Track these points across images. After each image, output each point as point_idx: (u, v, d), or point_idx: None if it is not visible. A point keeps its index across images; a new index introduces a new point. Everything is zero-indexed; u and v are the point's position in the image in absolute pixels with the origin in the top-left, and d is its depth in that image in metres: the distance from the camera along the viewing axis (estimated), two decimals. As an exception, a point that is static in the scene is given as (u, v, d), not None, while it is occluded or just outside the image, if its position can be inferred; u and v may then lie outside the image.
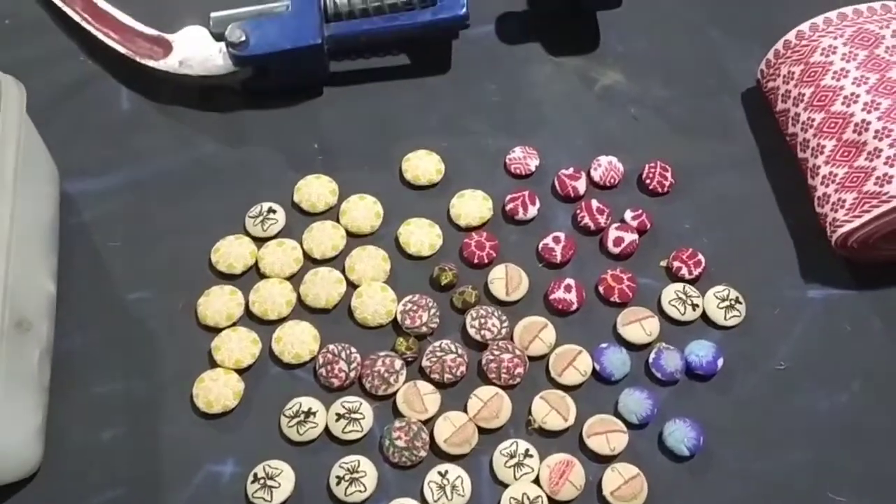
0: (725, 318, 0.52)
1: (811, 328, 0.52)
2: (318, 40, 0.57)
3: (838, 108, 0.53)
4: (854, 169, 0.51)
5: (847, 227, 0.50)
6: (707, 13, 0.64)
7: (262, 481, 0.46)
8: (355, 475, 0.46)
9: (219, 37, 0.58)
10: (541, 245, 0.54)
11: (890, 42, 0.53)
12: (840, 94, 0.53)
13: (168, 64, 0.58)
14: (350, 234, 0.55)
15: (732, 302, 0.52)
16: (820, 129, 0.53)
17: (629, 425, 0.49)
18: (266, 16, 0.57)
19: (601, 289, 0.53)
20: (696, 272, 0.53)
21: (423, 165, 0.57)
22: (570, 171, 0.57)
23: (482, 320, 0.51)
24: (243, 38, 0.56)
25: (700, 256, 0.54)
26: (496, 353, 0.50)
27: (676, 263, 0.54)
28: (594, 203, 0.56)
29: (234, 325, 0.52)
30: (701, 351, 0.50)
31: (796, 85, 0.55)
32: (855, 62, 0.53)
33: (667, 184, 0.57)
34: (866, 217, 0.50)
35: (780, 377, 0.50)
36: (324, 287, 0.52)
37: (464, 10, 0.58)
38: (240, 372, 0.50)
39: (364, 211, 0.55)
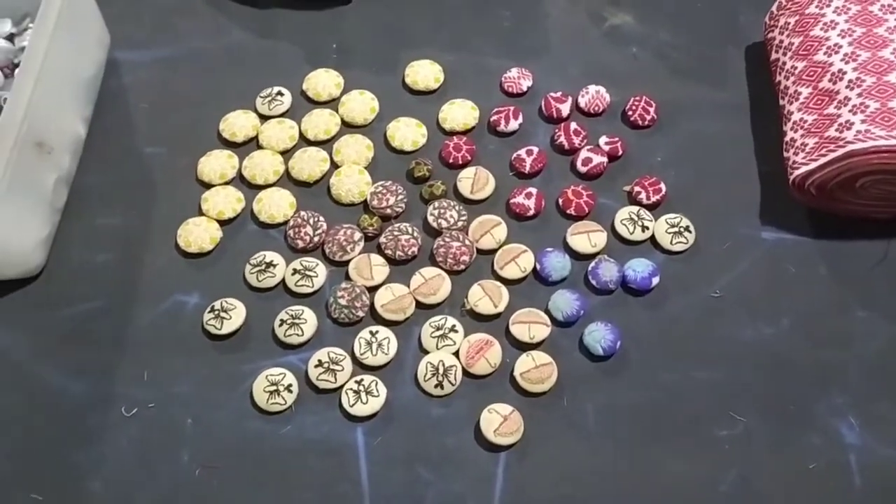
0: (671, 243, 0.54)
1: (756, 266, 0.53)
2: (346, -52, 0.62)
3: (820, 58, 0.54)
4: (823, 116, 0.52)
5: (802, 170, 0.52)
6: (731, -31, 0.66)
7: (216, 312, 0.52)
8: (296, 321, 0.52)
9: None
10: (514, 155, 0.58)
11: (885, 0, 0.54)
12: (824, 44, 0.54)
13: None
14: (345, 124, 0.60)
15: (682, 229, 0.54)
16: (800, 77, 0.54)
17: (555, 321, 0.52)
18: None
19: (560, 201, 0.56)
20: (654, 198, 0.55)
21: (424, 72, 0.62)
22: (559, 94, 0.60)
23: (442, 210, 0.55)
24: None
25: (662, 185, 0.56)
26: (447, 240, 0.54)
27: (637, 188, 0.56)
28: (573, 125, 0.59)
29: (226, 184, 0.58)
30: (639, 267, 0.53)
31: (788, 35, 0.56)
32: (846, 15, 0.54)
33: (648, 118, 0.59)
34: (822, 161, 0.51)
35: (712, 304, 0.52)
36: (309, 163, 0.58)
37: (485, -65, 0.62)
38: (221, 223, 0.56)
39: (361, 104, 0.60)
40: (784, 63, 0.56)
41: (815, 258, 0.53)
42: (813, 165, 0.51)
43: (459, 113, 0.60)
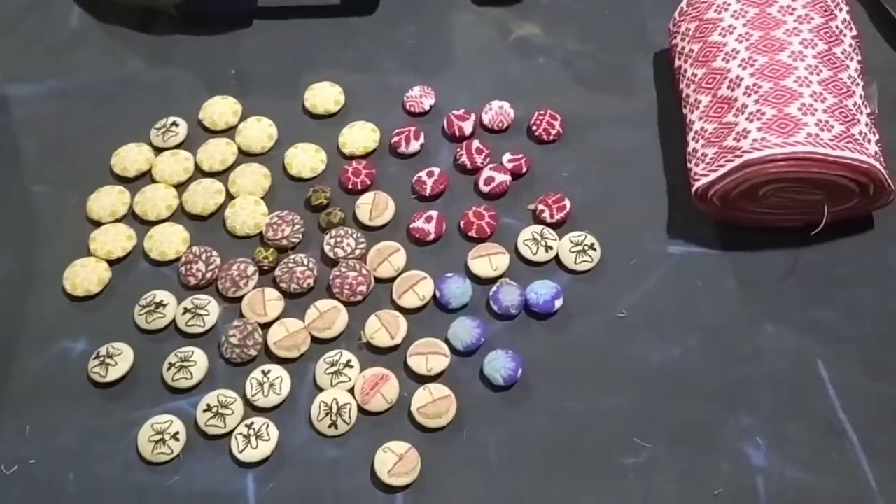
0: (576, 263, 0.52)
1: (664, 282, 0.51)
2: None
3: (718, 64, 0.52)
4: (722, 124, 0.51)
5: (703, 181, 0.50)
6: (638, -27, 0.64)
7: (101, 359, 0.50)
8: (185, 364, 0.49)
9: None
10: (414, 178, 0.56)
11: (785, 2, 0.52)
12: (723, 49, 0.52)
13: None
14: (242, 152, 0.58)
15: (586, 247, 0.52)
16: (700, 85, 0.53)
17: (455, 351, 0.50)
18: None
19: (461, 223, 0.54)
20: (558, 216, 0.54)
21: (324, 95, 0.60)
22: (461, 111, 0.58)
23: (338, 239, 0.53)
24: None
25: (566, 202, 0.54)
26: (343, 270, 0.52)
27: (541, 207, 0.54)
28: (475, 143, 0.57)
29: (117, 221, 0.56)
30: (542, 290, 0.51)
31: (689, 41, 0.55)
32: (744, 19, 0.52)
33: (553, 132, 0.57)
34: (720, 171, 0.49)
35: (618, 325, 0.50)
36: (203, 195, 0.56)
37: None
38: (111, 263, 0.54)
39: (258, 132, 0.58)
40: (685, 70, 0.54)
41: (723, 271, 0.51)
42: (712, 176, 0.49)
43: (359, 136, 0.58)
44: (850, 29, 0.53)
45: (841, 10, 0.53)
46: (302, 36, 0.64)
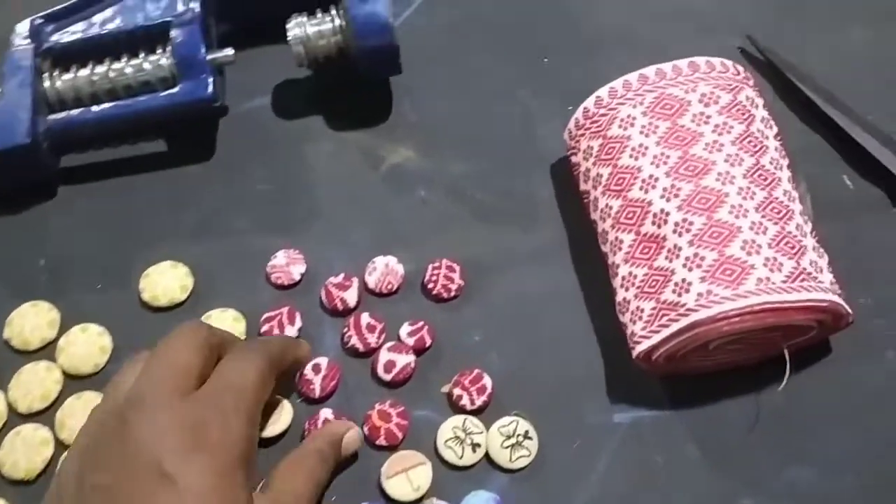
0: (512, 460, 0.43)
1: (615, 463, 0.43)
2: (26, 140, 0.48)
3: (636, 195, 0.44)
4: (654, 270, 0.43)
5: (645, 345, 0.42)
6: (516, 71, 0.55)
7: None
8: None
9: None
10: (298, 376, 0.45)
11: (697, 109, 0.45)
12: (638, 176, 0.44)
13: None
14: (68, 376, 0.46)
15: (520, 438, 0.43)
16: (618, 220, 0.45)
17: None
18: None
19: (366, 430, 0.44)
20: (479, 401, 0.44)
21: (165, 282, 0.48)
22: (340, 278, 0.48)
23: (213, 484, 0.42)
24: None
25: (486, 380, 0.45)
26: (226, 527, 0.41)
27: (457, 391, 0.45)
28: (364, 318, 0.47)
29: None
30: (478, 506, 0.41)
31: (595, 164, 0.47)
32: (655, 136, 0.44)
33: (453, 287, 0.48)
34: (665, 333, 0.41)
35: (576, 531, 0.42)
36: (25, 452, 0.43)
37: (209, 90, 0.49)
38: None
39: (86, 346, 0.46)
40: (597, 199, 0.46)
41: (680, 437, 0.44)
42: (656, 339, 0.41)
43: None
44: (771, 128, 0.46)
45: (757, 107, 0.46)
46: (126, 200, 0.52)
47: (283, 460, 0.39)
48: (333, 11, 0.51)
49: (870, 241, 0.48)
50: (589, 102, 0.47)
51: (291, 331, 0.47)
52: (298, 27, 0.50)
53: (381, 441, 0.44)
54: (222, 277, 0.49)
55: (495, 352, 0.46)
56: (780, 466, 0.43)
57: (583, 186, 0.48)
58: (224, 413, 0.35)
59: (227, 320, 0.47)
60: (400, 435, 0.44)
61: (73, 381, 0.46)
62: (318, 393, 0.45)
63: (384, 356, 0.45)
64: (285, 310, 0.47)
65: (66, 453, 0.37)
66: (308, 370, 0.45)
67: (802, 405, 0.44)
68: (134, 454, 0.33)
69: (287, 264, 0.49)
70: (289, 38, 0.50)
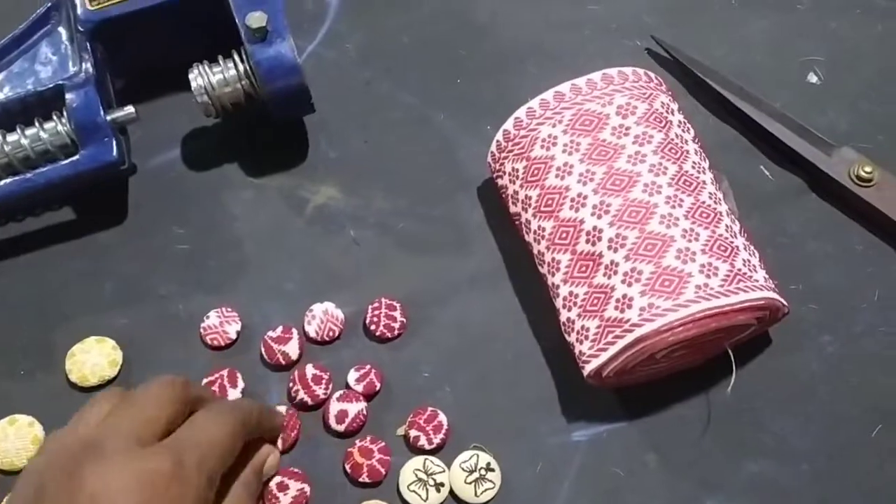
0: (477, 494, 0.42)
1: (579, 482, 0.43)
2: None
3: (567, 215, 0.44)
4: (594, 288, 0.43)
5: (594, 364, 0.42)
6: (430, 95, 0.55)
7: None
8: None
9: None
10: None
11: (615, 122, 0.45)
12: (567, 195, 0.44)
13: None
14: (2, 472, 0.43)
15: (483, 471, 0.43)
16: (552, 241, 0.45)
17: None
18: None
19: (348, 467, 0.43)
20: (437, 439, 0.44)
21: (93, 360, 0.45)
22: (279, 331, 0.46)
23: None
24: None
25: (441, 417, 0.44)
26: None
27: (414, 432, 0.44)
28: (309, 371, 0.45)
29: None
30: (449, 549, 0.41)
31: (522, 186, 0.46)
32: (578, 153, 0.44)
33: (396, 326, 0.47)
34: (612, 350, 0.41)
35: (550, 559, 0.42)
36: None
37: (114, 153, 0.47)
38: None
39: (16, 440, 0.43)
40: (528, 221, 0.46)
41: (638, 446, 0.44)
42: (604, 357, 0.41)
43: (157, 404, 0.44)
44: (688, 131, 0.47)
45: (673, 112, 0.47)
46: (39, 276, 0.49)
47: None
48: (236, 56, 0.49)
49: (794, 227, 0.50)
50: (508, 125, 0.47)
51: (234, 393, 0.45)
52: (201, 77, 0.48)
53: (365, 478, 0.42)
54: (153, 346, 0.47)
55: (447, 386, 0.46)
56: (737, 462, 0.44)
57: (513, 209, 0.48)
58: (185, 467, 0.34)
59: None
60: (383, 471, 0.43)
61: (5, 475, 0.43)
62: (282, 445, 0.43)
63: (334, 407, 0.44)
64: (225, 372, 0.45)
65: (9, 495, 0.35)
66: (262, 431, 0.44)
67: (750, 399, 0.45)
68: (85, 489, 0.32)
69: (221, 324, 0.47)
70: (192, 90, 0.48)
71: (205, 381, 0.45)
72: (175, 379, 0.38)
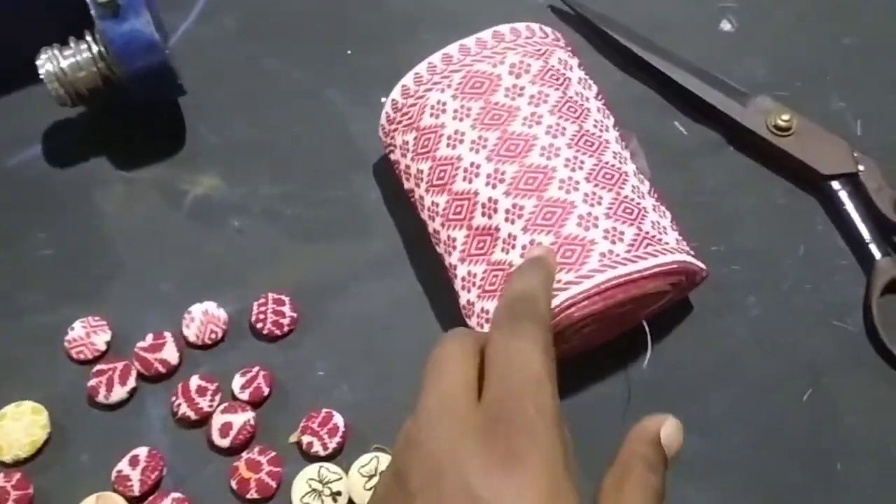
0: (379, 503, 0.38)
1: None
2: None
3: (461, 187, 0.40)
4: (493, 265, 0.39)
5: (498, 349, 0.38)
6: (318, 69, 0.50)
7: None
8: None
9: None
10: (113, 474, 0.39)
11: (508, 82, 0.41)
12: (459, 166, 0.40)
13: None
14: None
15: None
16: (447, 217, 0.40)
17: None
18: None
19: (234, 483, 0.38)
20: (332, 444, 0.39)
21: (-58, 386, 0.40)
22: (149, 340, 0.42)
23: None
24: None
25: (336, 419, 0.40)
26: None
27: (307, 437, 0.40)
28: (193, 382, 0.41)
29: None
30: (350, 566, 0.37)
31: (413, 159, 0.42)
32: (469, 119, 0.40)
33: (285, 322, 0.43)
34: (515, 332, 0.37)
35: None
36: None
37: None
38: None
39: None
40: (422, 197, 0.42)
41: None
42: (508, 340, 0.37)
43: (17, 430, 0.39)
44: (590, 88, 0.43)
45: (572, 68, 0.43)
46: None
47: (605, 476, 0.32)
48: (89, 37, 0.44)
49: (712, 184, 0.46)
50: (395, 93, 0.43)
51: (121, 392, 0.40)
52: (50, 62, 0.43)
53: (253, 494, 0.38)
54: (15, 365, 0.42)
55: (345, 384, 0.42)
56: (662, 443, 0.40)
57: (406, 185, 0.43)
58: (528, 420, 0.28)
59: (25, 416, 0.40)
60: (273, 484, 0.38)
61: None
62: (137, 490, 0.38)
63: (218, 420, 0.40)
64: (120, 364, 0.40)
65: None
66: (124, 464, 0.39)
67: (674, 370, 0.42)
68: (437, 474, 0.27)
69: (88, 335, 0.42)
70: (41, 76, 0.43)
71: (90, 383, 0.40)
72: (462, 333, 0.32)
